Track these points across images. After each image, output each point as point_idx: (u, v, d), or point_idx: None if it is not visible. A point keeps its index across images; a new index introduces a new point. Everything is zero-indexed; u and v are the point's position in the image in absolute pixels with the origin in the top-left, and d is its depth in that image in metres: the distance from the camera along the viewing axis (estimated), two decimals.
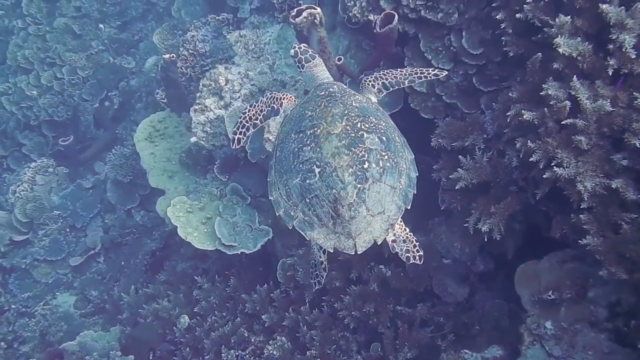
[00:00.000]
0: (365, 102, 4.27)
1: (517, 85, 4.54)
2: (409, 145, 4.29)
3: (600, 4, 3.93)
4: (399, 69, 4.66)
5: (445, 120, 5.18)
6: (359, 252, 3.77)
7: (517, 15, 4.46)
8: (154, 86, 9.49)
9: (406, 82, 4.61)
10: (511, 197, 4.56)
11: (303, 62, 4.61)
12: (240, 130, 4.68)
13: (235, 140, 4.69)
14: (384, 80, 4.58)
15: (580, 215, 4.00)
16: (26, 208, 9.58)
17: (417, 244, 4.05)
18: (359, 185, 3.69)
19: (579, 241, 3.96)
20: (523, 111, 4.21)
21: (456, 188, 4.70)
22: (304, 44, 4.75)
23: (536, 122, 4.19)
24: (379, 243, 3.84)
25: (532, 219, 4.81)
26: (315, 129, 3.92)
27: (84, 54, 11.10)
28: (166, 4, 11.69)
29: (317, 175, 3.77)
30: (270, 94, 4.71)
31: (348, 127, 3.88)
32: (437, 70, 4.66)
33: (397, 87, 4.62)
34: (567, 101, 3.99)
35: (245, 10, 8.57)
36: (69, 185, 10.10)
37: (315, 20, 5.09)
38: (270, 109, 4.69)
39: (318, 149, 3.82)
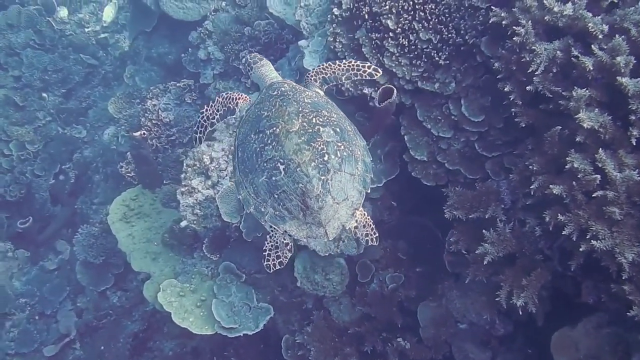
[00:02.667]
0: (316, 97, 4.52)
1: (534, 156, 4.56)
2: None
3: (618, 77, 4.01)
4: (337, 63, 4.83)
5: (456, 190, 5.16)
6: (330, 238, 4.07)
7: (528, 88, 4.49)
8: (116, 158, 9.14)
9: (343, 78, 4.81)
10: (541, 267, 4.56)
11: (251, 64, 4.96)
12: (199, 129, 4.98)
13: (197, 140, 5.04)
14: (324, 75, 4.80)
15: (623, 287, 4.02)
16: None
17: (373, 227, 4.37)
18: (322, 177, 3.96)
19: (627, 313, 3.97)
20: (551, 185, 4.22)
21: (484, 264, 4.65)
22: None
23: (564, 195, 4.21)
24: (347, 227, 4.16)
25: (557, 284, 4.82)
26: (274, 128, 4.14)
27: (30, 126, 10.63)
28: (112, 68, 11.37)
29: (282, 172, 4.00)
30: (225, 94, 4.94)
31: (305, 124, 4.13)
32: (372, 69, 4.80)
33: (335, 82, 4.84)
34: (597, 175, 4.02)
35: (208, 76, 8.42)
36: (32, 268, 9.58)
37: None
38: (226, 108, 4.92)
39: (280, 147, 4.06)
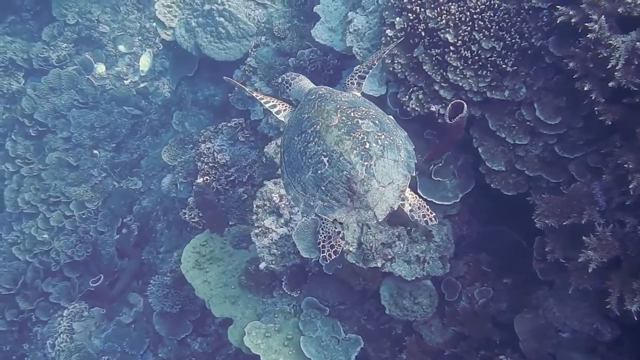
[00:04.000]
0: (353, 97, 4.67)
1: (627, 153, 4.39)
2: None
3: None
4: (364, 62, 5.05)
5: (543, 197, 4.99)
6: (379, 220, 4.07)
7: (610, 84, 4.33)
8: (176, 205, 9.16)
9: (373, 66, 4.95)
10: None
11: (289, 81, 5.11)
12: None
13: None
14: (359, 74, 4.97)
15: None
16: None
17: (429, 207, 4.34)
18: (365, 163, 4.01)
19: None
20: None
21: (589, 272, 4.47)
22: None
23: None
24: (395, 209, 4.15)
25: None
26: (315, 126, 4.26)
27: (87, 185, 10.78)
28: (157, 116, 11.47)
29: (327, 164, 4.08)
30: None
31: (343, 118, 4.23)
32: (389, 48, 5.07)
33: (369, 72, 4.97)
34: None
35: (258, 112, 8.39)
36: (109, 325, 9.60)
37: None
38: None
39: (322, 142, 4.17)
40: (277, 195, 6.49)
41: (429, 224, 4.35)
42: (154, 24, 13.18)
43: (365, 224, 5.49)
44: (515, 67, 5.13)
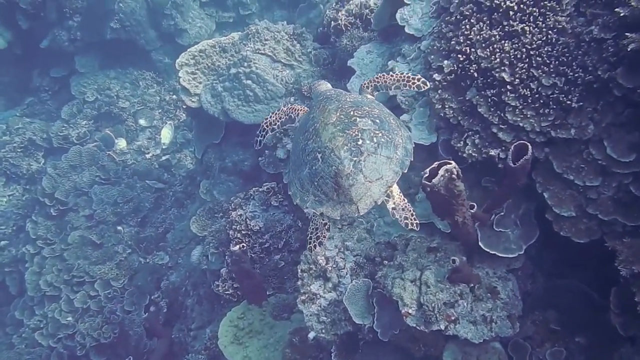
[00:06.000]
0: (361, 98, 4.91)
1: None
2: None
3: None
4: (390, 74, 5.34)
5: (625, 242, 4.53)
6: (361, 214, 4.28)
7: None
8: (208, 278, 8.71)
9: (393, 87, 5.25)
10: None
11: (311, 87, 5.62)
12: (261, 133, 5.69)
13: (257, 143, 5.74)
14: (375, 83, 5.27)
15: None
16: None
17: (414, 212, 4.53)
18: (354, 159, 4.21)
19: None
20: None
21: None
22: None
23: None
24: (378, 203, 4.32)
25: None
26: (316, 124, 4.52)
27: (112, 262, 10.38)
28: (182, 187, 11.19)
29: (320, 160, 4.32)
30: (290, 105, 5.60)
31: (342, 116, 4.46)
32: (421, 81, 5.22)
33: (384, 90, 5.32)
34: None
35: None
36: None
37: (453, 175, 4.50)
38: (287, 117, 5.57)
39: (318, 139, 4.40)
40: (322, 257, 6.05)
41: (409, 227, 4.49)
42: (174, 96, 13.25)
43: (424, 283, 5.12)
44: (581, 103, 4.76)
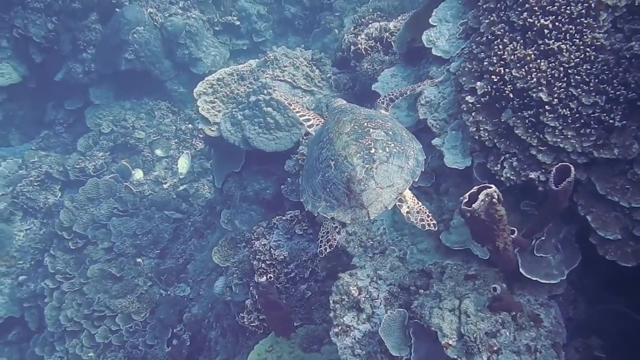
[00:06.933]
0: (374, 112, 5.07)
1: None
2: None
3: None
4: (401, 88, 5.60)
5: None
6: (371, 218, 4.35)
7: None
8: (232, 310, 8.52)
9: (408, 92, 5.53)
10: None
11: (327, 104, 5.79)
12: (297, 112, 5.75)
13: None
14: (390, 97, 5.50)
15: None
16: None
17: (430, 214, 4.58)
18: (366, 166, 4.32)
19: None
20: None
21: None
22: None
23: None
24: (389, 209, 4.38)
25: None
26: (330, 134, 4.65)
27: (132, 296, 10.21)
28: (202, 217, 11.04)
29: (333, 167, 4.42)
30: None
31: (356, 127, 4.59)
32: (428, 82, 5.73)
33: (400, 98, 5.54)
34: None
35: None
36: None
37: (494, 200, 4.32)
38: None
39: (332, 147, 4.52)
40: (355, 287, 5.87)
41: (426, 228, 4.52)
42: (190, 125, 13.18)
43: (463, 312, 4.97)
44: (624, 122, 4.58)
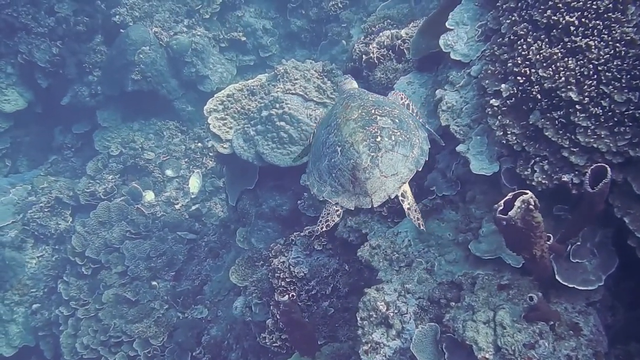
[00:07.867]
0: (382, 99, 5.12)
1: None
2: None
3: None
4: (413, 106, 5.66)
5: None
6: (375, 206, 4.47)
7: None
8: (252, 330, 8.32)
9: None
10: None
11: (338, 83, 5.98)
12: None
13: None
14: (408, 103, 5.54)
15: None
16: None
17: (420, 216, 4.72)
18: (372, 154, 4.43)
19: None
20: None
21: None
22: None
23: None
24: (392, 197, 4.53)
25: None
26: (337, 119, 4.73)
27: (149, 320, 10.01)
28: (216, 237, 10.87)
29: (339, 153, 4.52)
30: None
31: (363, 113, 4.68)
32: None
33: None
34: None
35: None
36: None
37: (531, 206, 4.12)
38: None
39: (339, 133, 4.61)
40: (382, 303, 5.66)
41: (419, 227, 4.71)
42: (199, 143, 13.05)
43: (499, 324, 4.82)
44: None
